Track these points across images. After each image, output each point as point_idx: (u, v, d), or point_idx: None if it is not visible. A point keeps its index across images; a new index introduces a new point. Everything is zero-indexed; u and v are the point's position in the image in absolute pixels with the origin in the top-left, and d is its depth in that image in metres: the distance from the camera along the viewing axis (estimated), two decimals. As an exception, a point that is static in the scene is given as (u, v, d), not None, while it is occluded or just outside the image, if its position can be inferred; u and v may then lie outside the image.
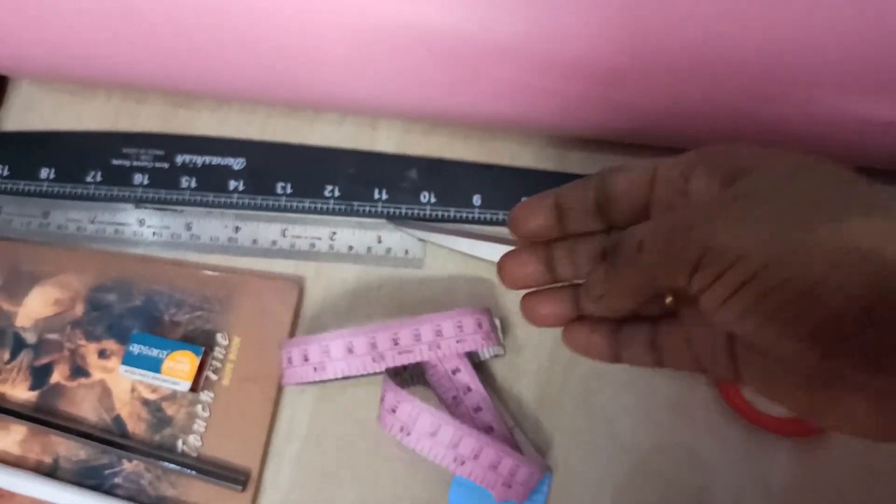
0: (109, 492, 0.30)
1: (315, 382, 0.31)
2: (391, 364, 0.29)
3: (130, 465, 0.31)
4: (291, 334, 0.33)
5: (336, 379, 0.30)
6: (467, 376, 0.31)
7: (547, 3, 0.28)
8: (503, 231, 0.35)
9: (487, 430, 0.30)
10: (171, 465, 0.30)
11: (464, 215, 0.35)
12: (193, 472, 0.30)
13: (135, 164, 0.36)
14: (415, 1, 0.28)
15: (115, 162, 0.36)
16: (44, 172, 0.36)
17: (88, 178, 0.36)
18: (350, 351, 0.30)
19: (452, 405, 0.31)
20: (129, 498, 0.30)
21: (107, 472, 0.31)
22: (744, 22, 0.27)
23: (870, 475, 0.31)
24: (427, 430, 0.28)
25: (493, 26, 0.28)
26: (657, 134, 0.33)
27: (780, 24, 0.27)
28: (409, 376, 0.33)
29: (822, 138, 0.31)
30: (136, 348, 0.31)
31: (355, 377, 0.30)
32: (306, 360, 0.30)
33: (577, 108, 0.32)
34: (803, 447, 0.32)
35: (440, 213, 0.35)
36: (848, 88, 0.29)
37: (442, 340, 0.30)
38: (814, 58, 0.28)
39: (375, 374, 0.30)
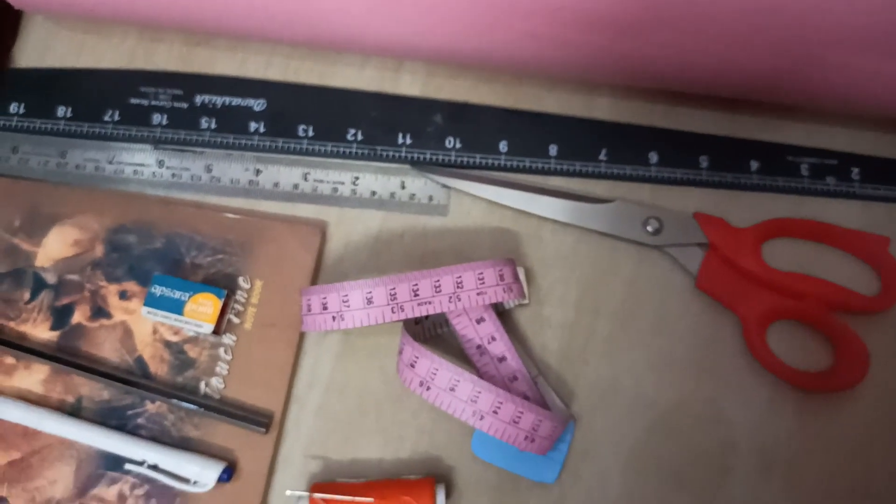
0: (133, 432, 0.30)
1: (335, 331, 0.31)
2: (411, 315, 0.29)
3: (153, 406, 0.31)
4: (314, 279, 0.33)
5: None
6: (492, 325, 0.30)
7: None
8: (530, 179, 0.34)
9: (512, 378, 0.30)
10: (195, 407, 0.30)
11: (490, 162, 0.34)
12: (217, 414, 0.30)
13: (153, 103, 0.35)
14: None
15: (133, 101, 0.35)
16: (60, 111, 0.35)
17: (106, 118, 0.35)
18: (369, 301, 0.29)
19: (476, 354, 0.30)
20: (152, 438, 0.30)
21: (130, 412, 0.31)
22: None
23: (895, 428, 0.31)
24: (445, 385, 0.28)
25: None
26: (681, 82, 0.32)
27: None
28: (431, 324, 0.32)
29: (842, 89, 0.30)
30: (157, 290, 0.31)
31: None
32: (325, 308, 0.29)
33: (603, 57, 0.31)
34: (830, 402, 0.31)
35: (465, 160, 0.34)
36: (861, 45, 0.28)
37: (462, 292, 0.29)
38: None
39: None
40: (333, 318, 0.29)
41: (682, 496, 0.30)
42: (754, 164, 0.34)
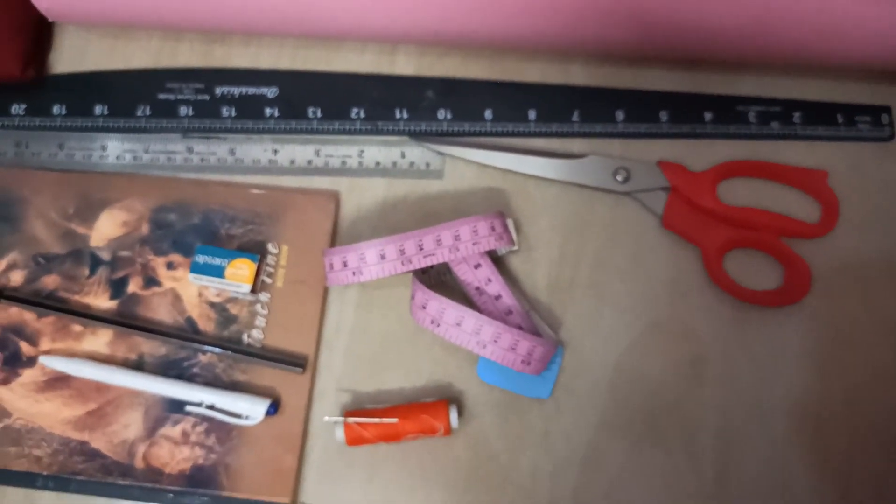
0: (189, 380, 0.36)
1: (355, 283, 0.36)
2: (418, 266, 0.34)
3: (205, 357, 0.36)
4: (332, 241, 0.38)
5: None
6: (488, 270, 0.35)
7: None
8: (514, 142, 0.39)
9: (507, 312, 0.35)
10: (240, 355, 0.36)
11: (477, 129, 0.39)
12: (259, 359, 0.35)
13: (179, 97, 0.40)
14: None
15: (161, 96, 0.40)
16: (98, 109, 0.40)
17: (139, 113, 0.40)
18: (382, 257, 0.34)
19: (476, 294, 0.35)
20: (206, 384, 0.36)
21: (185, 363, 0.36)
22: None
23: (839, 336, 0.36)
24: (452, 321, 0.33)
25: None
26: (647, 52, 0.37)
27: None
28: (436, 272, 0.37)
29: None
30: (201, 258, 0.36)
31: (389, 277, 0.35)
32: (346, 265, 0.35)
33: (575, 26, 0.35)
34: (782, 316, 0.37)
35: (456, 129, 0.39)
36: None
37: (460, 244, 0.34)
38: None
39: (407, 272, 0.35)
40: (353, 273, 0.34)
41: (660, 401, 0.36)
42: (708, 115, 0.39)
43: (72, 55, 0.41)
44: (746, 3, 0.34)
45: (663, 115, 0.39)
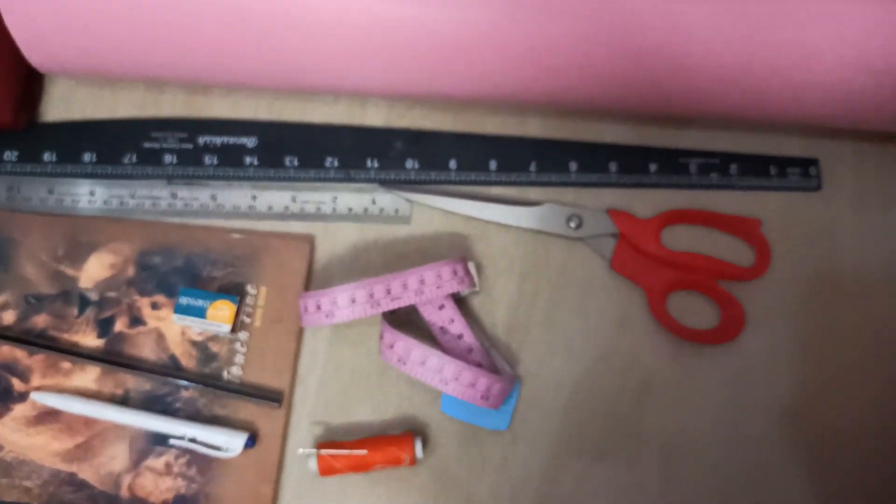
0: (173, 414, 0.38)
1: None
2: (386, 308, 0.37)
3: (187, 393, 0.39)
4: (307, 282, 0.41)
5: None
6: (451, 311, 0.39)
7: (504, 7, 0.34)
8: (476, 190, 0.42)
9: (469, 350, 0.38)
10: (220, 390, 0.38)
11: (442, 178, 0.42)
12: (238, 395, 0.38)
13: (163, 146, 0.43)
14: (397, 4, 0.35)
15: (147, 145, 0.43)
16: (87, 157, 0.43)
17: (125, 160, 0.43)
18: (353, 301, 0.37)
19: (440, 333, 0.39)
20: (188, 418, 0.38)
21: (168, 399, 0.39)
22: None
23: (768, 370, 0.40)
24: (418, 360, 0.36)
25: (459, 26, 0.35)
26: (598, 108, 0.40)
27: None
28: (404, 312, 0.40)
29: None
30: (184, 300, 0.39)
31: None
32: (319, 308, 0.37)
33: (531, 87, 0.39)
34: (717, 351, 0.40)
35: (423, 177, 0.42)
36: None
37: (425, 287, 0.37)
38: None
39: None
40: (326, 315, 0.37)
41: (608, 427, 0.39)
42: (653, 167, 0.42)
43: (61, 104, 0.44)
44: (690, 73, 0.37)
45: (613, 167, 0.42)
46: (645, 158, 0.42)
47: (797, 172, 0.43)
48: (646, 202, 0.42)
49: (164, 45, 0.38)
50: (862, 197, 0.42)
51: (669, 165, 0.42)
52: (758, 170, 0.42)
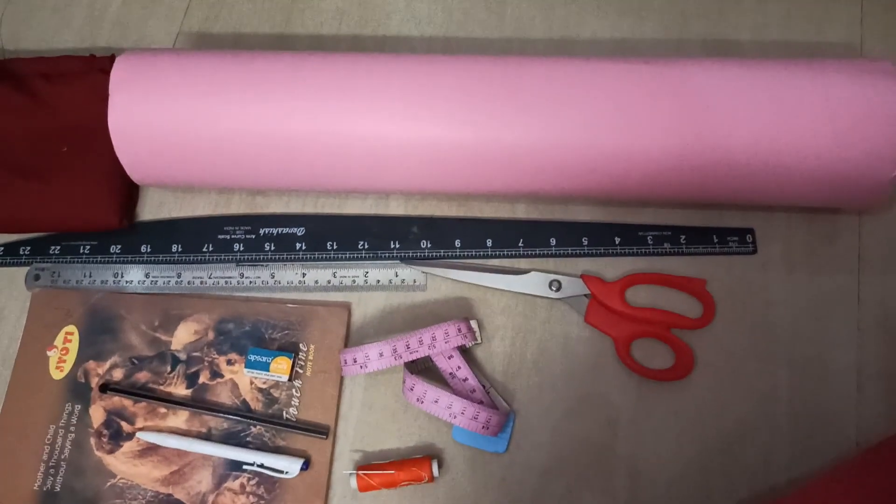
0: (245, 446, 0.50)
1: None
2: (407, 360, 0.48)
3: (256, 429, 0.50)
4: (346, 341, 0.52)
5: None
6: (458, 360, 0.49)
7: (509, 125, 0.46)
8: (476, 262, 0.53)
9: (472, 391, 0.49)
10: (281, 426, 0.49)
11: (450, 254, 0.53)
12: (294, 430, 0.49)
13: (233, 237, 0.55)
14: (418, 131, 0.47)
15: (220, 236, 0.55)
16: (174, 247, 0.55)
17: (204, 249, 0.55)
18: (381, 354, 0.48)
19: (449, 377, 0.49)
20: (257, 448, 0.49)
21: (242, 434, 0.50)
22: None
23: (715, 402, 0.49)
24: (432, 399, 0.47)
25: (461, 146, 0.47)
26: (573, 195, 0.51)
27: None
28: (421, 361, 0.51)
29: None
30: (252, 357, 0.50)
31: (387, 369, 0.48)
32: (355, 361, 0.48)
33: (516, 186, 0.50)
34: (674, 388, 0.50)
35: (434, 254, 0.54)
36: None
37: (436, 342, 0.48)
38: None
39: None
40: (361, 366, 0.48)
41: (588, 452, 0.49)
42: (618, 239, 0.53)
43: (153, 207, 0.56)
44: (647, 170, 0.48)
45: (585, 240, 0.53)
46: (611, 233, 0.53)
47: (736, 240, 0.53)
48: (612, 268, 0.52)
49: (233, 165, 0.50)
50: (791, 260, 0.52)
51: (631, 238, 0.53)
52: (703, 239, 0.53)
